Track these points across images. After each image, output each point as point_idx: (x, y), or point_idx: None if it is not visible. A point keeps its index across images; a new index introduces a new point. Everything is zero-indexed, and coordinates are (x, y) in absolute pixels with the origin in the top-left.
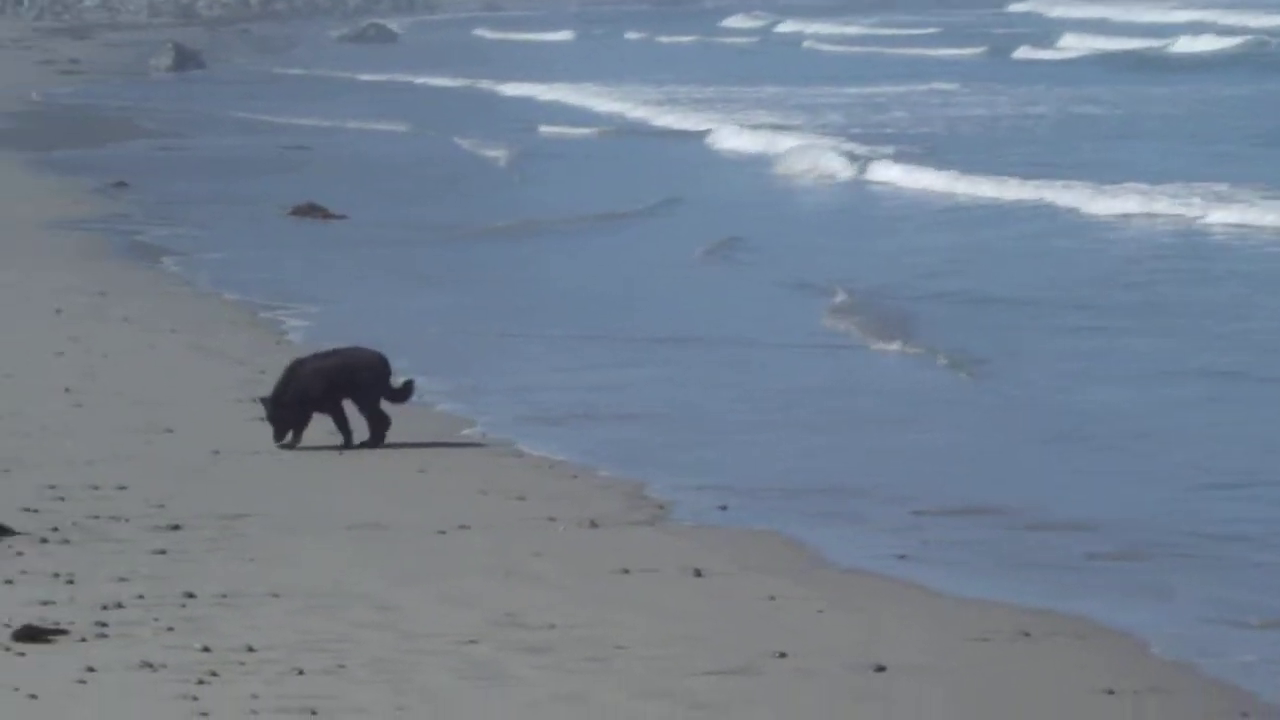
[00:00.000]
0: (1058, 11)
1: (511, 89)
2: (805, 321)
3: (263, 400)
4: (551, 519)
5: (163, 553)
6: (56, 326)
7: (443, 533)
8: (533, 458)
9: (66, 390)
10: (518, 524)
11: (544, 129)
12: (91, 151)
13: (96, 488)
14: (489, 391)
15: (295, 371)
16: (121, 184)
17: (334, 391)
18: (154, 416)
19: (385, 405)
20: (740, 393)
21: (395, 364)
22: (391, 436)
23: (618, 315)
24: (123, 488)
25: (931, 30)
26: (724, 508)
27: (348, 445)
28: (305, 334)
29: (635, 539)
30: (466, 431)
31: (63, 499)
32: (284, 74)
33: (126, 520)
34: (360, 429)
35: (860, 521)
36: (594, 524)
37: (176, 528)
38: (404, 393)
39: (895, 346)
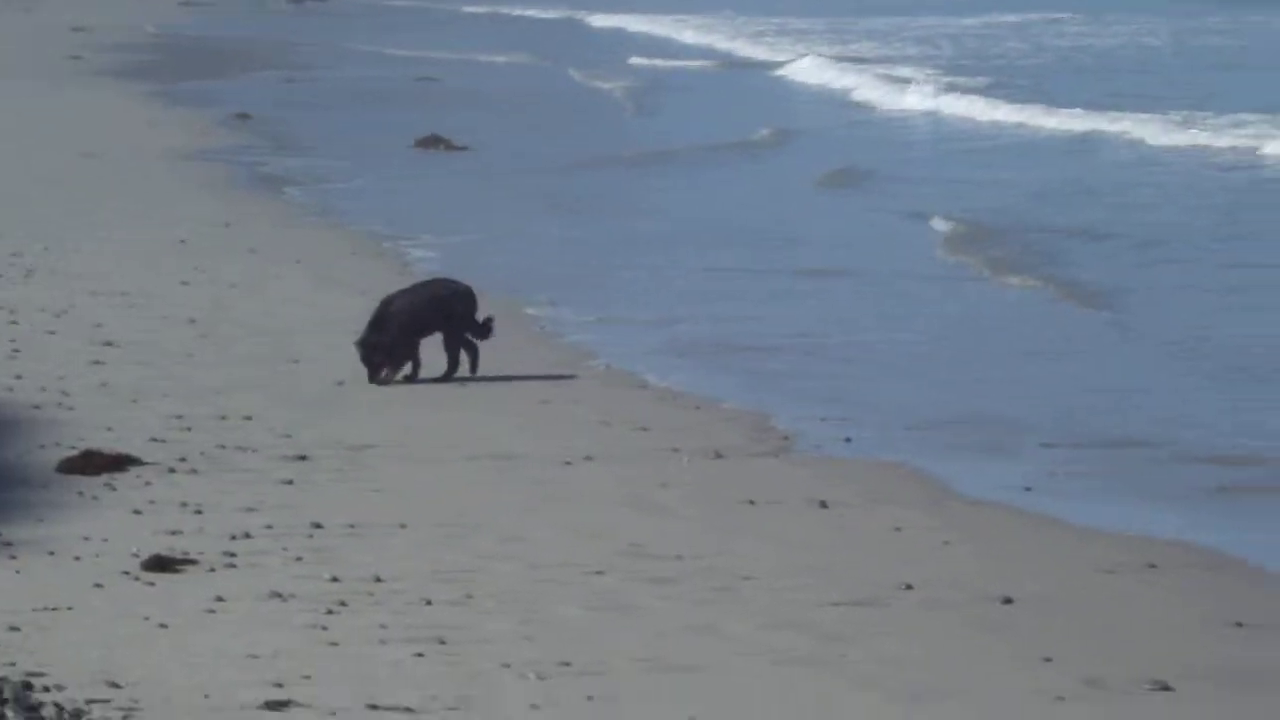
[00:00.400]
0: None
1: (601, 20)
2: (924, 252)
3: (357, 345)
4: (676, 450)
5: (290, 483)
6: (182, 257)
7: (568, 463)
8: (657, 389)
9: (192, 320)
10: (642, 455)
11: (634, 60)
12: (214, 83)
13: (223, 418)
14: (613, 322)
15: (388, 308)
16: (244, 115)
17: (427, 324)
18: (279, 347)
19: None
20: (864, 325)
21: (522, 295)
22: (516, 367)
23: (740, 246)
24: (249, 418)
25: None
26: (849, 439)
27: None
28: (429, 264)
29: (760, 470)
30: (591, 363)
31: (190, 429)
32: (397, 5)
33: (254, 450)
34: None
35: (987, 453)
36: (719, 455)
37: (303, 458)
38: (486, 328)
39: (1018, 279)
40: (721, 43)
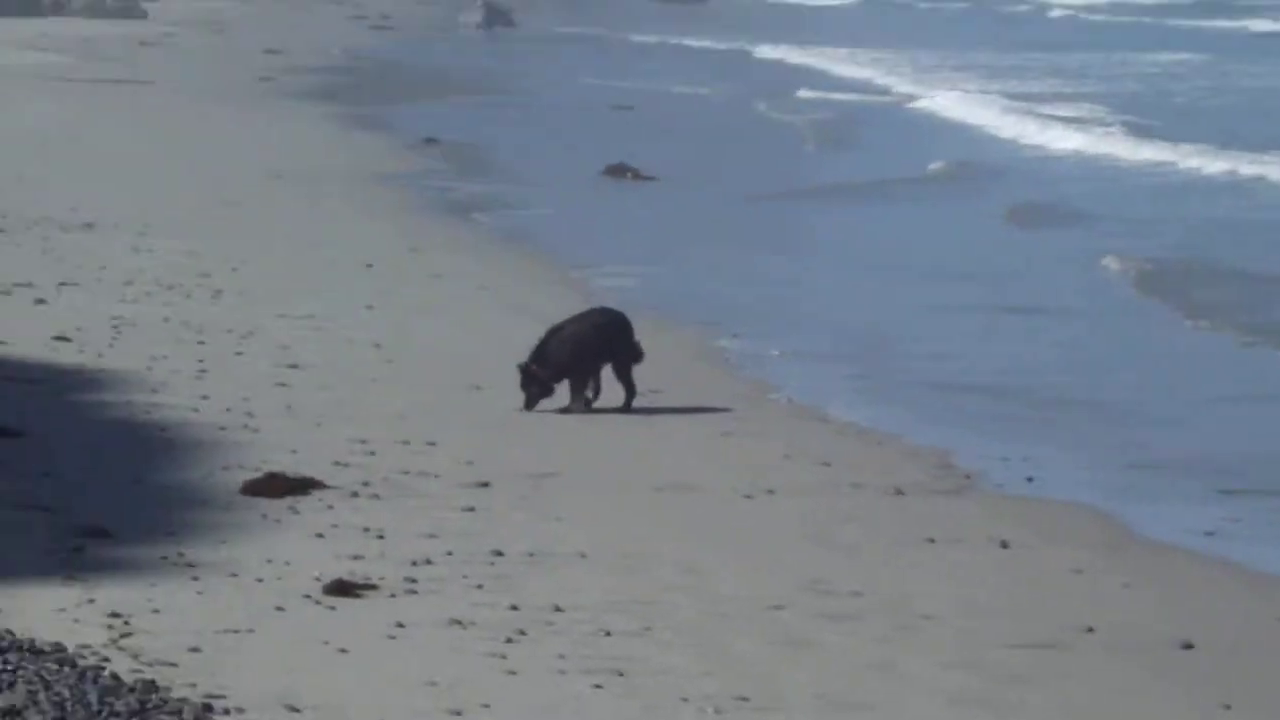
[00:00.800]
0: None
1: (766, 51)
2: (1114, 291)
3: (519, 368)
4: (857, 485)
5: (471, 510)
6: (368, 281)
7: (749, 497)
8: (838, 423)
9: (377, 345)
10: (823, 490)
11: (803, 93)
12: (402, 107)
13: (406, 443)
14: (797, 356)
15: (554, 336)
16: (432, 140)
17: (596, 354)
18: (463, 373)
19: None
20: (1054, 364)
21: (706, 326)
22: (699, 399)
23: (930, 281)
24: (432, 443)
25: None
26: (1031, 479)
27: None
28: (615, 294)
29: (941, 508)
30: (773, 396)
31: (373, 453)
32: (574, 33)
33: (436, 476)
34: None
35: (1169, 496)
36: (900, 491)
37: (485, 485)
38: (639, 354)
39: (1208, 322)
40: (879, 76)
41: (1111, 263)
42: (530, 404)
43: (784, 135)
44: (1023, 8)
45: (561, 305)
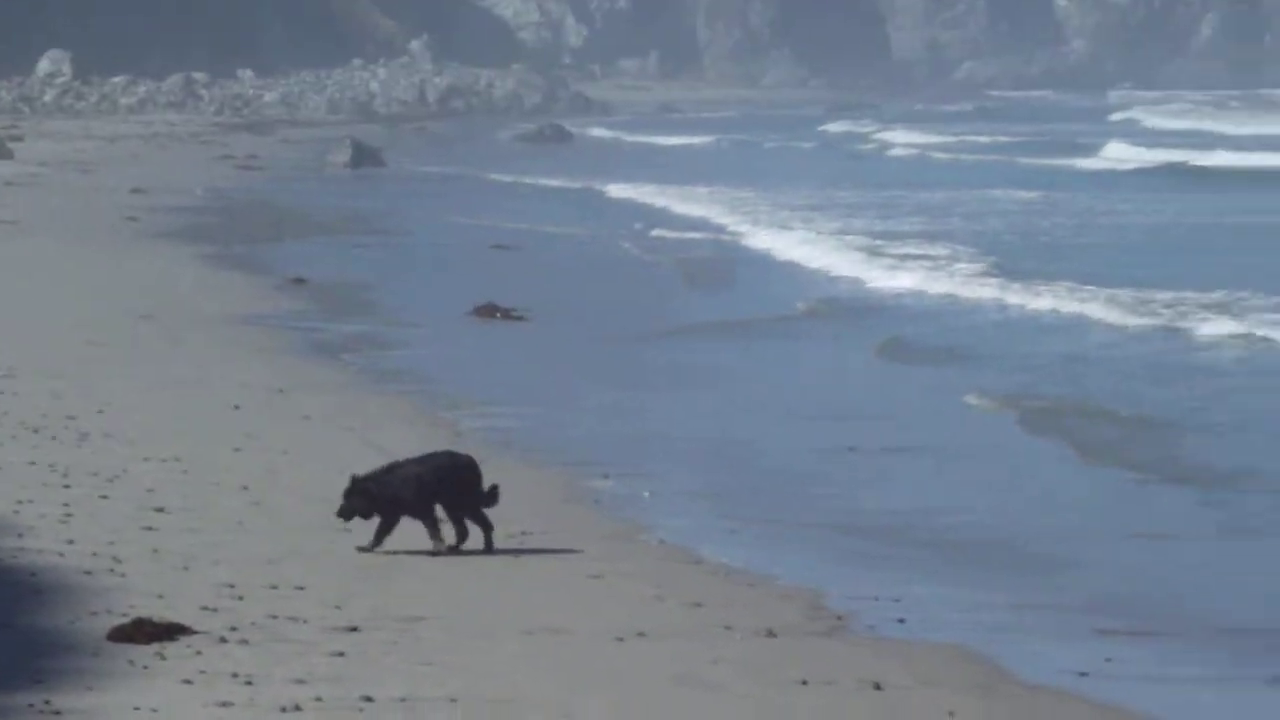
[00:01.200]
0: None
1: (617, 190)
2: (989, 427)
3: (353, 477)
4: (729, 627)
5: (341, 654)
6: (235, 422)
7: (619, 639)
8: (710, 564)
9: (244, 488)
10: (695, 631)
11: (658, 232)
12: (270, 246)
13: (275, 587)
14: (668, 496)
15: (392, 472)
16: (300, 280)
17: (427, 496)
18: (332, 516)
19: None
20: (927, 503)
21: (576, 467)
22: (570, 540)
23: (798, 419)
24: (301, 587)
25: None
26: (902, 620)
27: (452, 549)
28: (485, 434)
29: (813, 649)
30: (644, 537)
31: (241, 598)
32: (435, 172)
33: (305, 621)
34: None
35: (1045, 636)
36: (772, 633)
37: (355, 629)
38: (491, 498)
39: (1083, 458)
40: (735, 215)
41: (983, 400)
42: (345, 515)
43: (649, 274)
44: (867, 146)
45: (430, 446)
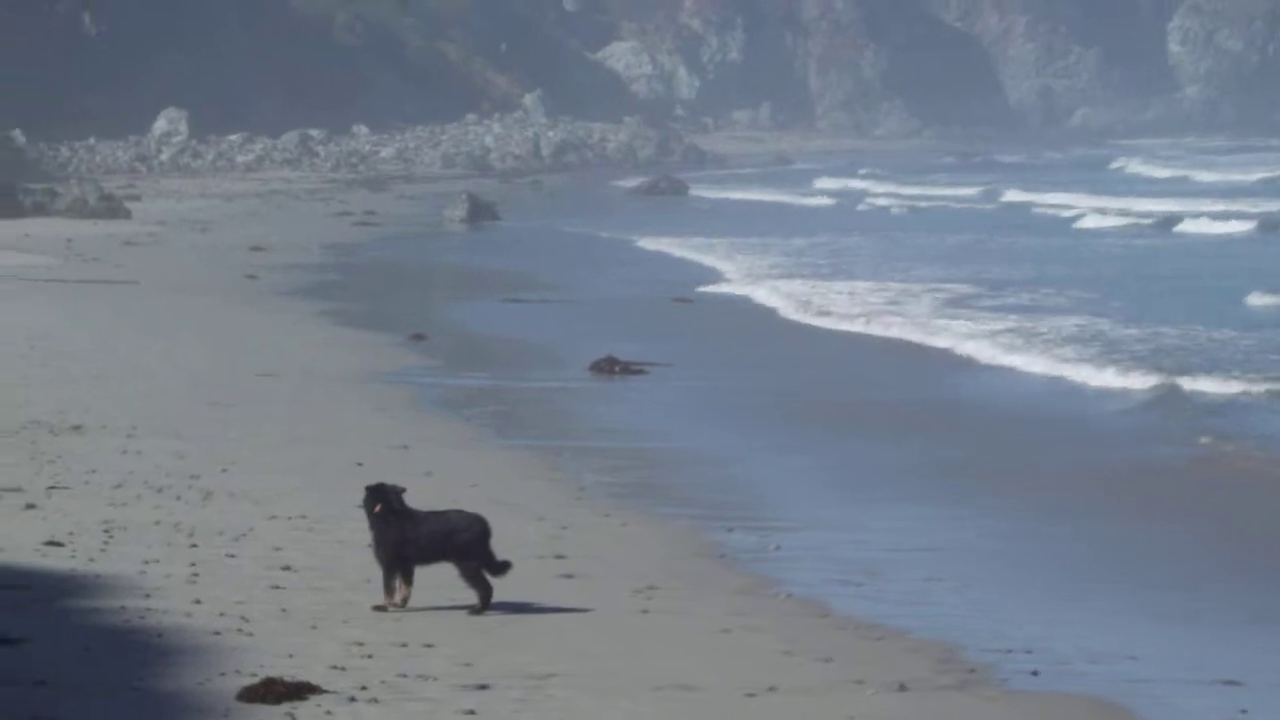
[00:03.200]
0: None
1: (649, 243)
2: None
3: (370, 490)
4: (860, 682)
5: (472, 713)
6: (359, 479)
7: (751, 695)
8: (838, 617)
9: (370, 545)
10: (826, 687)
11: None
12: (389, 302)
13: (404, 645)
14: (796, 550)
15: (414, 519)
16: (420, 335)
17: (428, 552)
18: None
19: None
20: (1043, 555)
21: (703, 520)
22: (697, 595)
23: (935, 477)
24: (429, 645)
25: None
26: (1035, 673)
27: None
28: (605, 489)
29: (946, 703)
30: (772, 591)
31: (370, 656)
32: (567, 230)
33: (434, 679)
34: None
35: (1178, 688)
36: (903, 687)
37: (484, 687)
38: (502, 567)
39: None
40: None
41: None
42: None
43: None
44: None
45: (552, 501)
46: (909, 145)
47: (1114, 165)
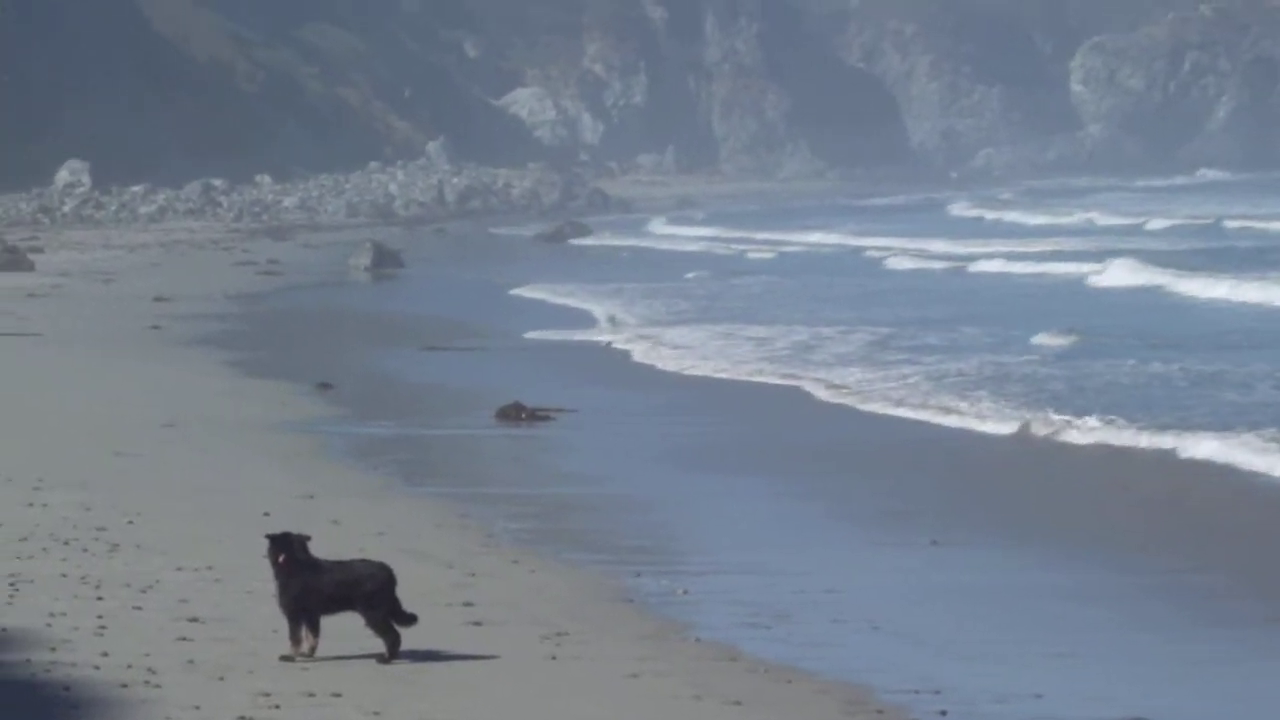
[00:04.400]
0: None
1: (525, 291)
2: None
3: (273, 539)
4: None
5: None
6: (266, 529)
7: None
8: (748, 661)
9: (274, 595)
10: None
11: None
12: (294, 352)
13: (311, 694)
14: (704, 593)
15: (307, 571)
16: (326, 385)
17: (333, 602)
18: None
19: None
20: (948, 596)
21: (611, 565)
22: (608, 640)
23: (839, 519)
24: (338, 694)
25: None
26: (944, 713)
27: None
28: (513, 535)
29: None
30: (680, 635)
31: (278, 706)
32: (452, 274)
33: None
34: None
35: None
36: None
37: None
38: (409, 619)
39: None
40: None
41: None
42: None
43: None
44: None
45: (460, 550)
46: (814, 187)
47: (951, 209)
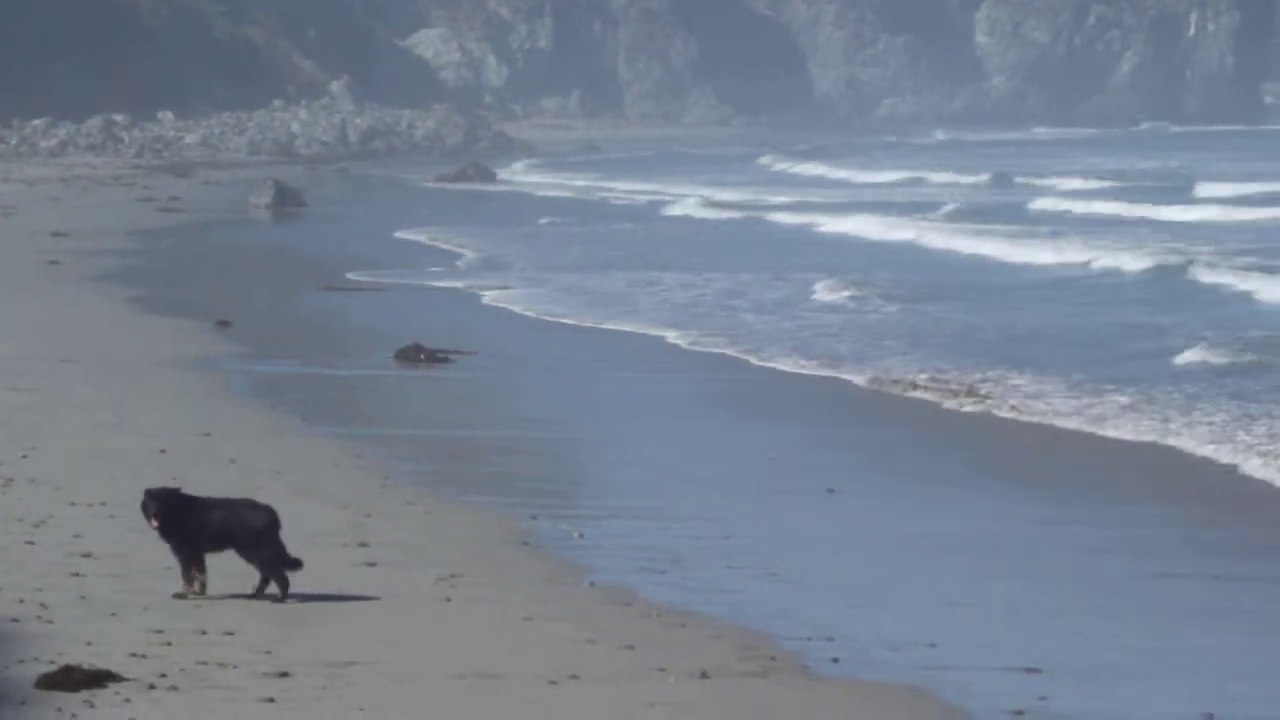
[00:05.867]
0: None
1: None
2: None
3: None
4: (662, 669)
5: (271, 700)
6: (161, 467)
7: (553, 683)
8: (642, 605)
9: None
10: (628, 674)
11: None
12: (193, 289)
13: (204, 632)
14: (600, 538)
15: (200, 504)
16: (225, 322)
17: (218, 540)
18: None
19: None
20: (842, 543)
21: (509, 507)
22: (503, 583)
23: (733, 464)
24: (230, 632)
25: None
26: (836, 660)
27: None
28: (410, 477)
29: (748, 691)
30: (576, 579)
31: (170, 644)
32: (376, 214)
33: (234, 666)
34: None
35: (979, 675)
36: (705, 675)
37: (285, 674)
38: (294, 564)
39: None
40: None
41: None
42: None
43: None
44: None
45: (357, 490)
46: (718, 134)
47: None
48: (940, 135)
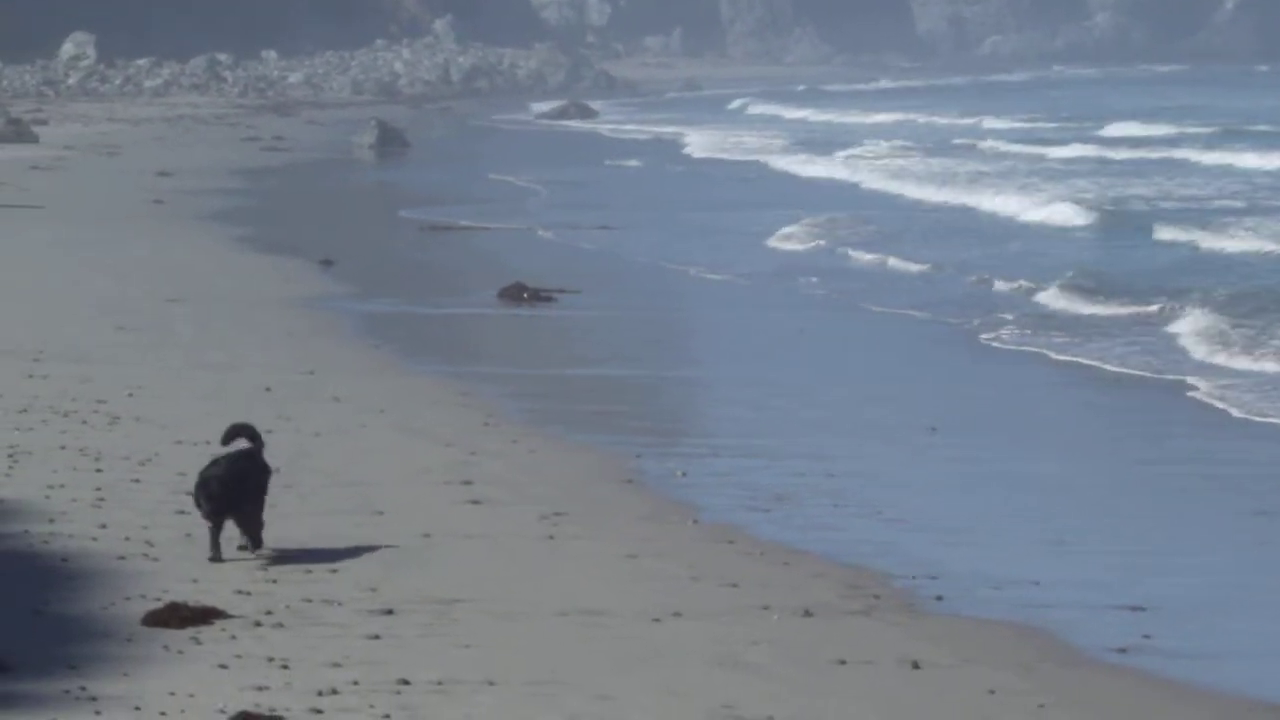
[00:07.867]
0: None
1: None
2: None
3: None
4: (765, 607)
5: (376, 638)
6: (267, 405)
7: (656, 620)
8: (745, 543)
9: (276, 470)
10: (731, 612)
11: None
12: (297, 228)
13: (309, 570)
14: (705, 476)
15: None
16: (328, 261)
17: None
18: (364, 498)
19: None
20: (946, 482)
21: (613, 445)
22: (604, 521)
23: (841, 404)
24: (335, 570)
25: None
26: (940, 598)
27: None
28: (514, 415)
29: (851, 628)
30: (679, 517)
31: (275, 581)
32: (477, 154)
33: (339, 604)
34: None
35: (1083, 613)
36: (809, 613)
37: (390, 612)
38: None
39: None
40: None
41: None
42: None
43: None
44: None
45: (459, 428)
46: (818, 72)
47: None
48: (1021, 74)
